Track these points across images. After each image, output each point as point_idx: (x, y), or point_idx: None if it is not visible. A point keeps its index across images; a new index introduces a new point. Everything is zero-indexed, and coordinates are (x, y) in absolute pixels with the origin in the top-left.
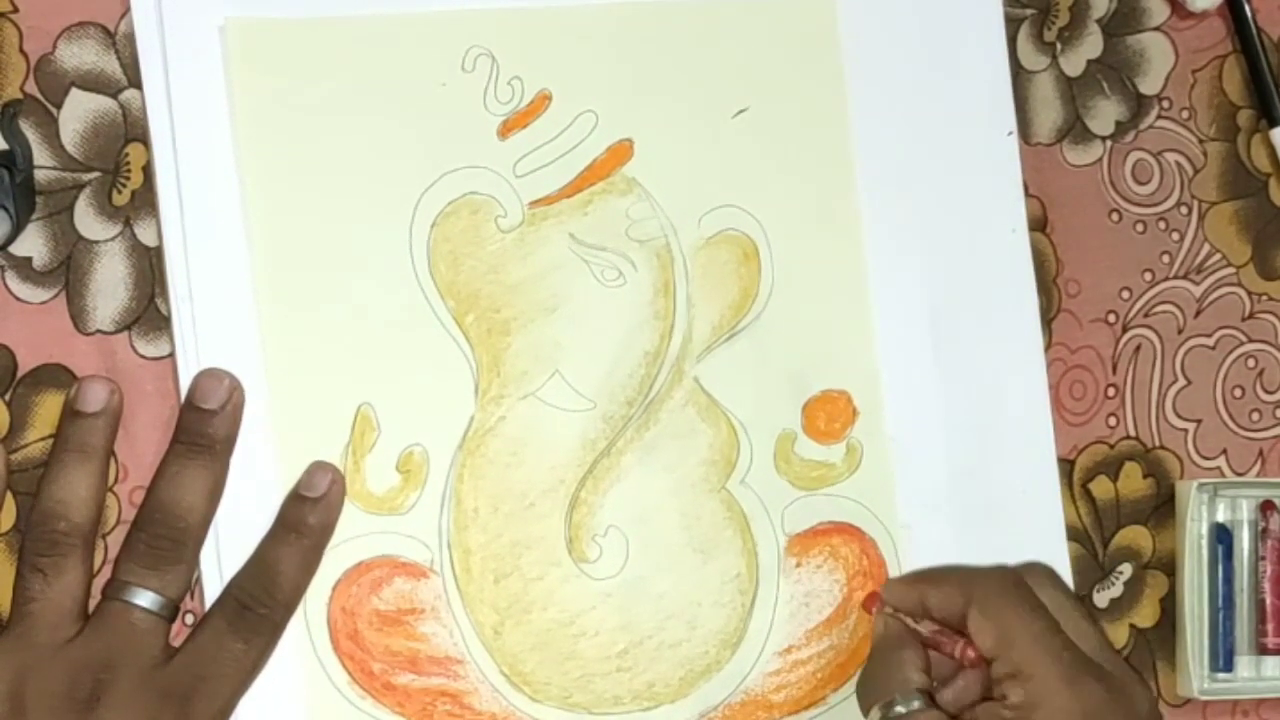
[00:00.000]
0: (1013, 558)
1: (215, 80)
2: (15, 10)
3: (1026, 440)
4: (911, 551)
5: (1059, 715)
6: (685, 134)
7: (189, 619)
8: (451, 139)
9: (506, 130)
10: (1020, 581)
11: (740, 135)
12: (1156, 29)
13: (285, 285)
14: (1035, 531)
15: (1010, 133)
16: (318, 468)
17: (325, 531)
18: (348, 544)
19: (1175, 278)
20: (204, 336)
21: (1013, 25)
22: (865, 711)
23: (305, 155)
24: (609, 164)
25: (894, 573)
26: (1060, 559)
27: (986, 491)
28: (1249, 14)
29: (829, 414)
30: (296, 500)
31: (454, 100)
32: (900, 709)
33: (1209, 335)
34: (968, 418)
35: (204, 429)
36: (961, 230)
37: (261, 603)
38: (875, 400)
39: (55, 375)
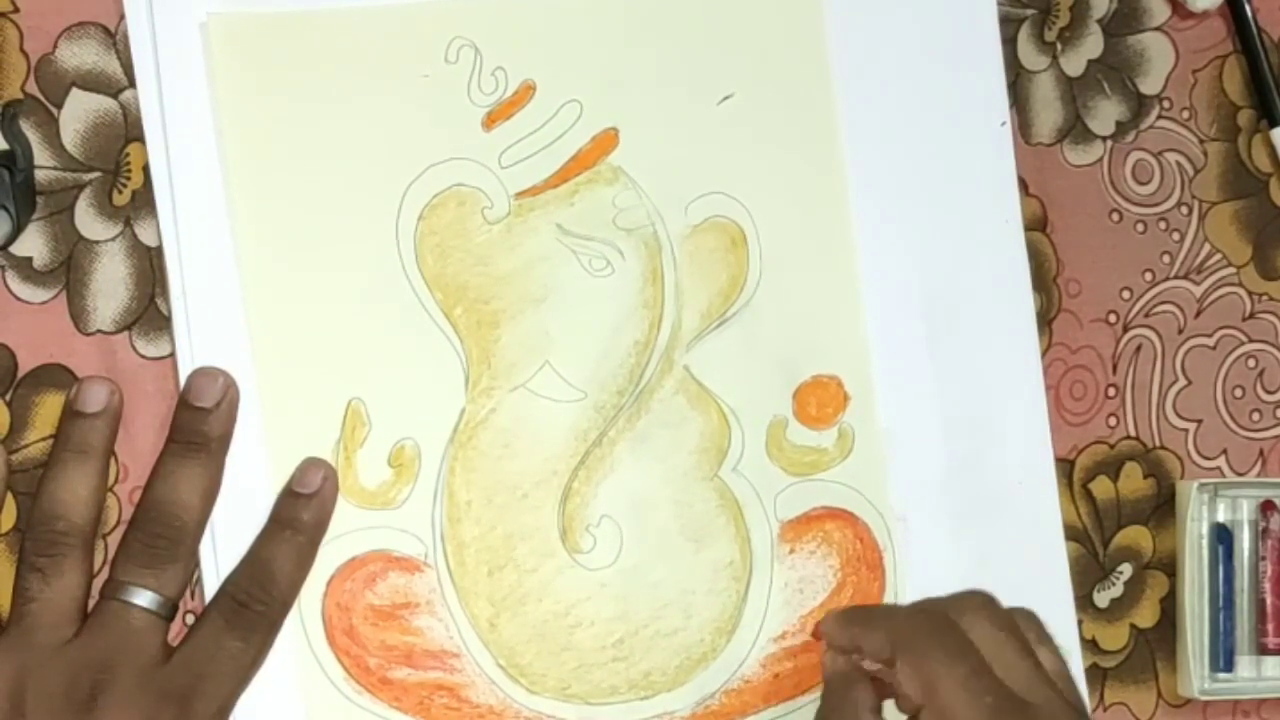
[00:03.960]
0: (1010, 551)
1: (202, 77)
2: (15, 10)
3: (1022, 432)
4: (908, 544)
5: None
6: (670, 122)
7: (189, 619)
8: (436, 131)
9: (491, 121)
10: (947, 623)
11: (726, 122)
12: (1157, 29)
13: (273, 281)
14: (1032, 524)
15: (1003, 123)
16: (310, 464)
17: (319, 527)
18: (341, 539)
19: (1175, 278)
20: (197, 335)
21: (1013, 25)
22: None
23: (290, 150)
24: (594, 153)
25: (888, 559)
26: (1057, 553)
27: (982, 481)
28: (1249, 14)
29: (820, 399)
30: (290, 497)
31: (438, 92)
32: None
33: (1209, 335)
34: (962, 405)
35: (199, 427)
36: (954, 219)
37: (258, 600)
38: (866, 385)
39: (55, 375)
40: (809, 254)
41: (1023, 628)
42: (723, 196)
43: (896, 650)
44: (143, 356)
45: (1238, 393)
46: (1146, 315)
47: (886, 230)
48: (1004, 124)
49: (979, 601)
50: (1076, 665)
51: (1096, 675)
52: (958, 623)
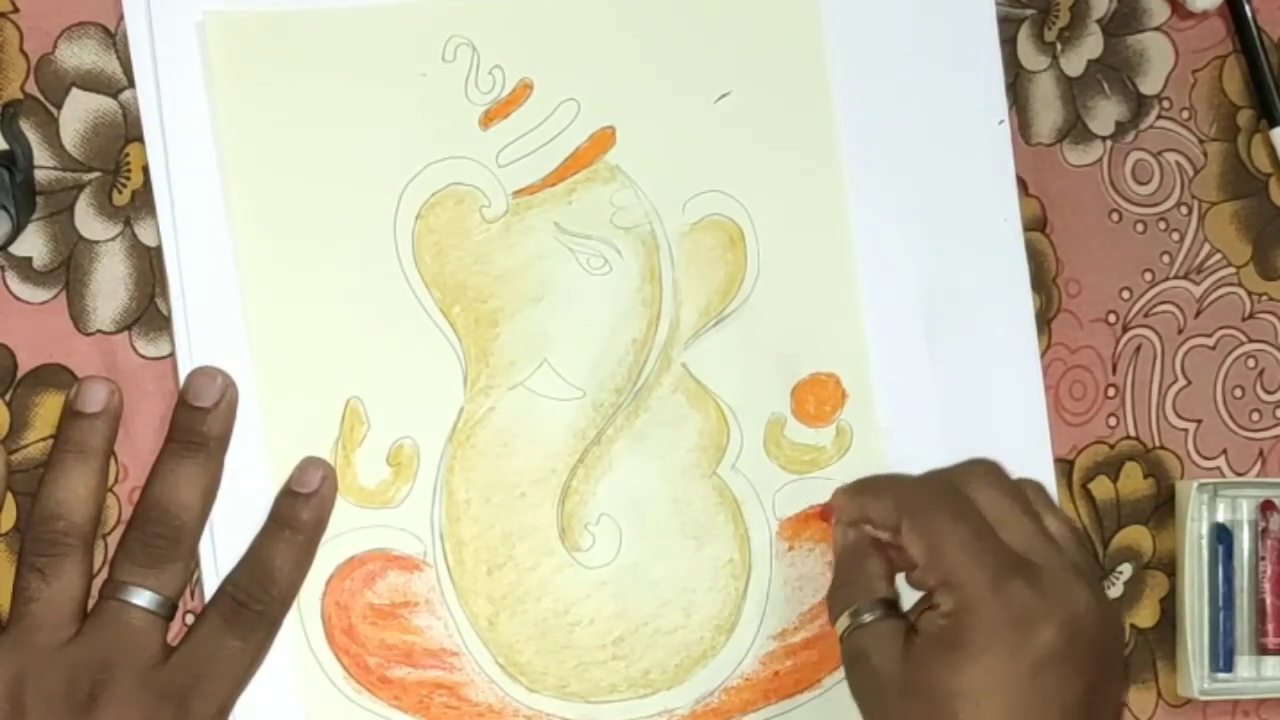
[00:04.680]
0: None
1: (200, 76)
2: (15, 10)
3: (1022, 431)
4: None
5: (986, 621)
6: (668, 120)
7: (189, 619)
8: (433, 130)
9: (488, 120)
10: (950, 488)
11: (723, 120)
12: (1157, 29)
13: (271, 281)
14: None
15: (1001, 121)
16: (309, 463)
17: (319, 526)
18: (340, 538)
19: (1175, 278)
20: (196, 335)
21: (1013, 25)
22: (834, 621)
23: (288, 149)
24: (591, 152)
25: None
26: None
27: None
28: (1249, 14)
29: (818, 397)
30: (289, 496)
31: (435, 91)
32: (866, 617)
33: (1209, 335)
34: (961, 404)
35: (198, 427)
36: (952, 218)
37: (257, 599)
38: (864, 383)
39: (55, 375)
40: (807, 252)
41: (1029, 495)
42: (720, 195)
43: (902, 516)
44: (143, 356)
45: (1237, 393)
46: (1146, 315)
47: (885, 228)
48: (1002, 122)
49: (984, 468)
50: None
51: None
52: (963, 489)
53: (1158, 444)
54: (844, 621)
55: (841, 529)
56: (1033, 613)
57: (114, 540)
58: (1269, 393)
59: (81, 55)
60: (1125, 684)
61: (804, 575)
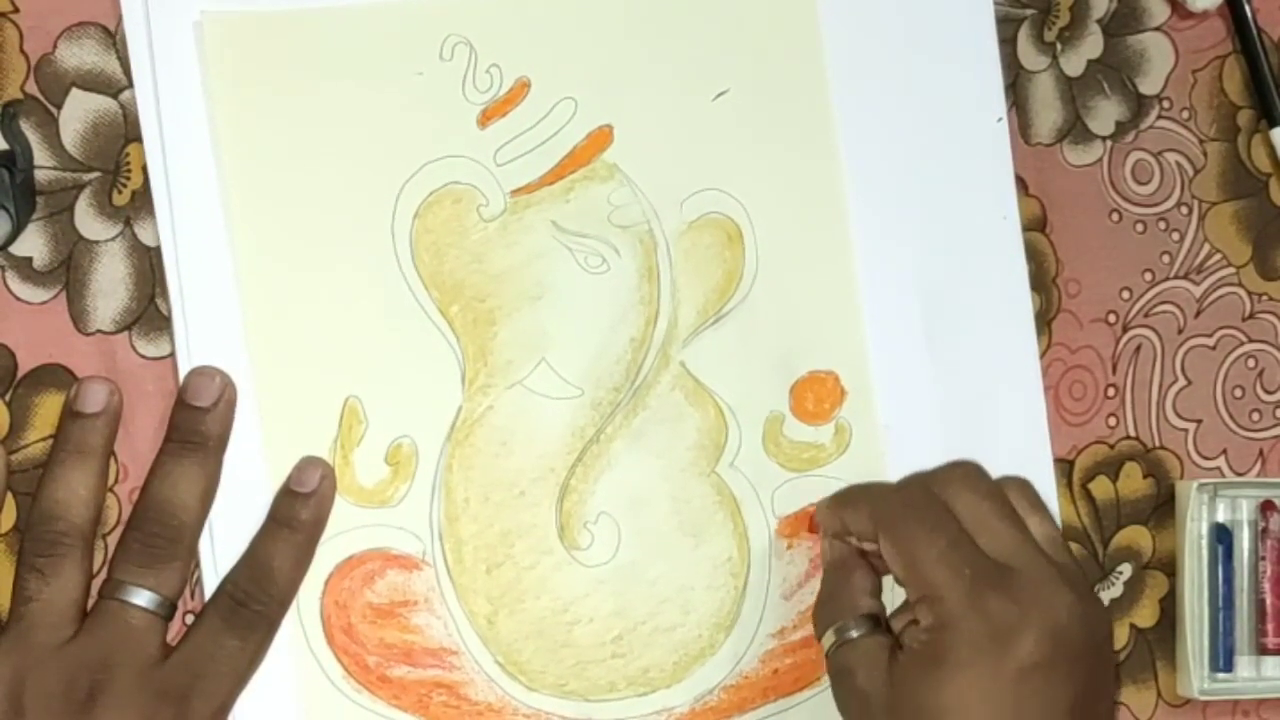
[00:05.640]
0: None
1: (197, 76)
2: (15, 10)
3: (1022, 430)
4: None
5: (966, 635)
6: (665, 118)
7: (188, 619)
8: (431, 129)
9: (486, 119)
10: (927, 495)
11: (721, 118)
12: (1157, 29)
13: (269, 281)
14: None
15: (1000, 119)
16: (308, 462)
17: (318, 526)
18: (339, 538)
19: (1175, 278)
20: (195, 334)
21: (1013, 25)
22: (819, 637)
23: (285, 149)
24: (589, 150)
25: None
26: None
27: None
28: (1249, 14)
29: (817, 395)
30: (288, 495)
31: (432, 90)
32: (851, 634)
33: (1209, 335)
34: (960, 402)
35: (197, 427)
36: (950, 216)
37: (256, 599)
38: (863, 380)
39: (55, 375)
40: (805, 249)
41: (1013, 496)
42: (718, 193)
43: (878, 528)
44: (143, 356)
45: (1237, 393)
46: (1146, 315)
47: (883, 226)
48: (1000, 120)
49: (963, 472)
50: None
51: None
52: (940, 495)
53: (1158, 444)
54: (829, 638)
55: (827, 541)
56: (1012, 624)
57: (114, 540)
58: (1269, 393)
59: (81, 55)
60: (1117, 686)
61: (803, 573)
